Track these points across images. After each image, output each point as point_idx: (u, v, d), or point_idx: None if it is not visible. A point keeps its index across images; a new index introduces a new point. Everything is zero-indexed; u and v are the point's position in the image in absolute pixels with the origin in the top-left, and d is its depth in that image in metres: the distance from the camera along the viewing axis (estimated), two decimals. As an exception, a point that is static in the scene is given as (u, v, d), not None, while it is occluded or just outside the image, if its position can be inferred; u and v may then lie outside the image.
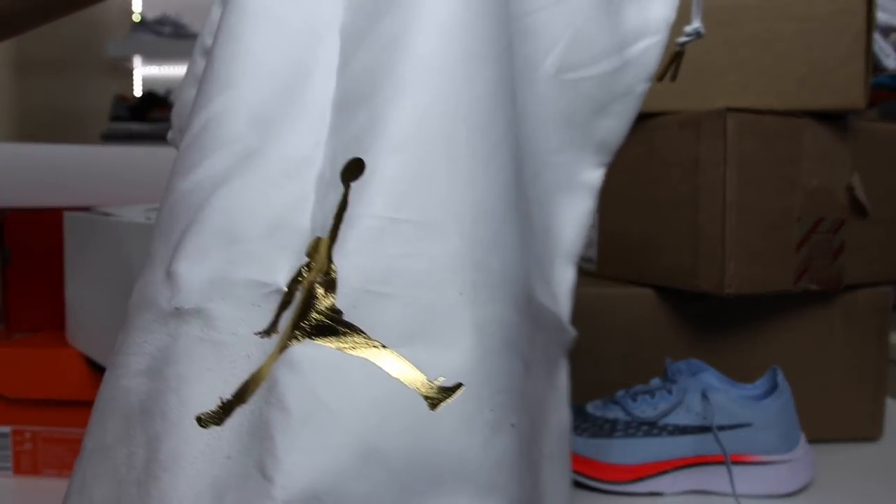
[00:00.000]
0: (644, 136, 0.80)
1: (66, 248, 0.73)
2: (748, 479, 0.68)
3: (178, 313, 0.38)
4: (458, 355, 0.37)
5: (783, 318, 0.80)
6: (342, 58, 0.41)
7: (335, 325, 0.36)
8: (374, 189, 0.38)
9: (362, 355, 0.36)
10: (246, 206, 0.39)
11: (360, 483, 0.35)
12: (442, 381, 0.36)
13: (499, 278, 0.39)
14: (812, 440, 0.76)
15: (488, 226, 0.39)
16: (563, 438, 0.45)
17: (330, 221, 0.38)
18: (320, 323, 0.36)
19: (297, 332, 0.37)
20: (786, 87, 0.78)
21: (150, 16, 2.15)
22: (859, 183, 0.79)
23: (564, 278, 0.45)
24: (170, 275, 0.39)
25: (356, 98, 0.40)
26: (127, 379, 0.40)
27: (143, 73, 2.39)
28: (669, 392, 0.69)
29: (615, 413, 0.70)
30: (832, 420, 0.81)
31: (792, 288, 0.77)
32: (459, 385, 0.36)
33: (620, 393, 0.72)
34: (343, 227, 0.38)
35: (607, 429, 0.70)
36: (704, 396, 0.68)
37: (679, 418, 0.68)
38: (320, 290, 0.37)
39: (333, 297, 0.37)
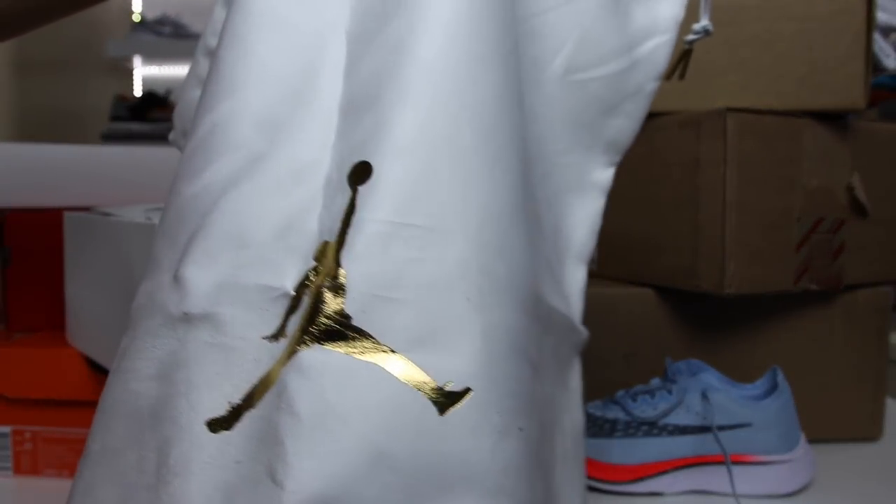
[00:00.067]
0: (644, 136, 0.80)
1: (66, 248, 0.73)
2: (748, 479, 0.68)
3: (187, 318, 0.38)
4: (465, 360, 0.37)
5: (783, 318, 0.80)
6: (349, 61, 0.41)
7: (344, 330, 0.36)
8: (381, 193, 0.38)
9: (371, 360, 0.36)
10: (254, 211, 0.39)
11: (370, 487, 0.35)
12: (450, 385, 0.36)
13: (505, 283, 0.39)
14: (812, 440, 0.76)
15: (494, 230, 0.39)
16: (576, 439, 0.45)
17: (337, 225, 0.38)
18: (329, 328, 0.36)
19: (306, 337, 0.37)
20: (786, 87, 0.78)
21: (150, 16, 2.15)
22: (859, 183, 0.79)
23: (575, 279, 0.46)
24: (178, 279, 0.39)
25: (363, 102, 0.40)
26: (135, 383, 0.40)
27: (143, 73, 2.39)
28: (669, 392, 0.69)
29: (615, 413, 0.70)
30: (832, 420, 0.81)
31: (792, 288, 0.77)
32: (467, 390, 0.36)
33: (620, 393, 0.72)
34: (351, 231, 0.37)
35: (607, 429, 0.70)
36: (704, 396, 0.68)
37: (679, 418, 0.68)
38: (328, 295, 0.37)
39: (342, 302, 0.37)
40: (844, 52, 0.77)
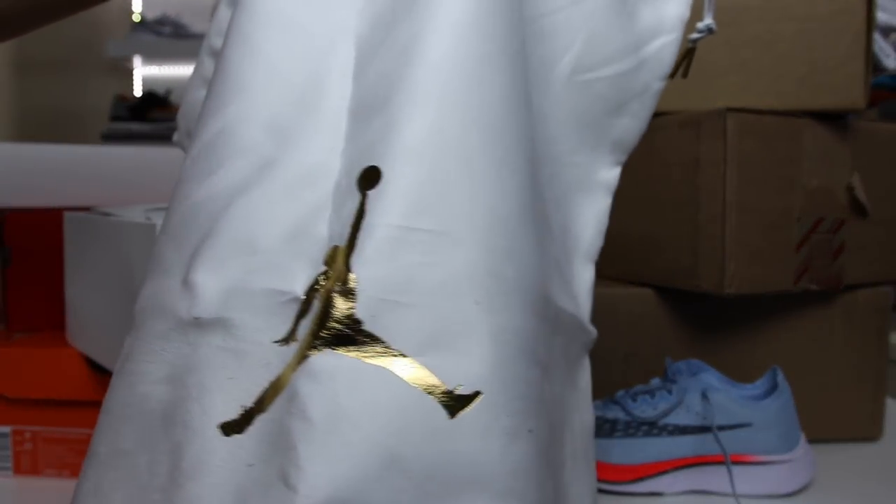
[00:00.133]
0: (644, 135, 0.80)
1: (66, 248, 0.73)
2: (748, 479, 0.68)
3: (198, 323, 0.39)
4: (475, 364, 0.37)
5: (783, 318, 0.80)
6: (357, 65, 0.41)
7: (354, 335, 0.37)
8: (390, 198, 0.38)
9: (382, 364, 0.36)
10: (264, 216, 0.39)
11: (382, 491, 0.35)
12: (460, 389, 0.36)
13: (513, 285, 0.39)
14: (812, 440, 0.76)
15: (503, 233, 0.39)
16: (586, 438, 0.45)
17: (347, 230, 0.38)
18: (340, 332, 0.37)
19: (317, 342, 0.37)
20: (786, 87, 0.78)
21: (150, 16, 2.15)
22: (859, 183, 0.79)
23: (584, 278, 0.46)
24: (188, 284, 0.39)
25: (372, 105, 0.40)
26: (145, 386, 0.40)
27: (143, 73, 2.39)
28: (669, 392, 0.69)
29: (615, 413, 0.70)
30: (832, 420, 0.81)
31: (792, 288, 0.77)
32: (477, 393, 0.37)
33: (620, 393, 0.72)
34: (360, 236, 0.38)
35: (607, 429, 0.70)
36: (704, 396, 0.68)
37: (679, 418, 0.68)
38: (338, 299, 0.37)
39: (352, 307, 0.37)
40: (844, 52, 0.77)
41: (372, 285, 0.37)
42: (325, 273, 0.38)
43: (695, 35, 0.50)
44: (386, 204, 0.38)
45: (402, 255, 0.37)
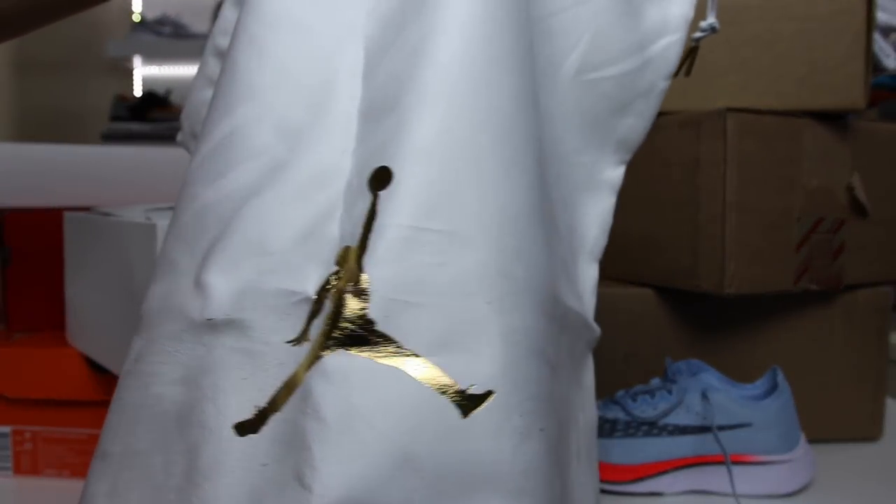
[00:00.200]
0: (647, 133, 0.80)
1: (66, 248, 0.73)
2: (748, 479, 0.68)
3: (212, 324, 0.39)
4: (487, 364, 0.37)
5: (783, 318, 0.80)
6: (367, 66, 0.41)
7: (367, 335, 0.37)
8: (402, 198, 0.38)
9: (395, 364, 0.36)
10: (276, 218, 0.39)
11: (396, 490, 0.35)
12: (472, 388, 0.37)
13: (523, 285, 0.39)
14: (812, 440, 0.76)
15: (512, 233, 0.39)
16: (590, 436, 0.46)
17: (359, 231, 0.38)
18: (353, 332, 0.37)
19: (330, 342, 0.37)
20: (786, 87, 0.78)
21: (150, 16, 2.15)
22: (859, 183, 0.79)
23: (588, 276, 0.46)
24: (200, 286, 0.39)
25: (382, 107, 0.40)
26: (158, 387, 0.40)
27: (143, 73, 2.39)
28: (669, 392, 0.69)
29: (615, 413, 0.70)
30: (832, 420, 0.81)
31: (792, 288, 0.77)
32: (489, 393, 0.37)
33: (620, 393, 0.72)
34: (372, 236, 0.38)
35: (607, 429, 0.70)
36: (704, 396, 0.68)
37: (679, 418, 0.68)
38: (350, 299, 0.37)
39: (365, 307, 0.37)
40: (844, 52, 0.77)
41: (384, 285, 0.37)
42: (336, 273, 0.38)
43: (698, 34, 0.50)
44: (397, 204, 0.38)
45: (413, 255, 0.37)
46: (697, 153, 0.75)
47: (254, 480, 0.36)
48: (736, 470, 0.68)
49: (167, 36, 2.07)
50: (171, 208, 0.67)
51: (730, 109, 0.73)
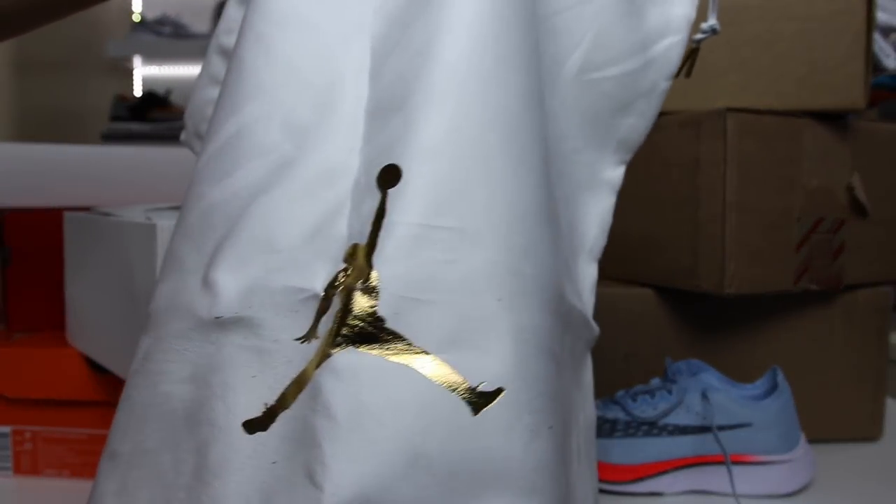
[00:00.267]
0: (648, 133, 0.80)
1: (66, 248, 0.73)
2: (748, 479, 0.68)
3: (220, 322, 0.39)
4: (497, 361, 0.37)
5: (783, 318, 0.80)
6: (373, 64, 0.42)
7: (377, 333, 0.37)
8: (411, 196, 0.38)
9: (405, 362, 0.36)
10: (284, 216, 0.40)
11: (407, 488, 0.35)
12: (483, 386, 0.37)
13: (531, 284, 0.39)
14: (812, 440, 0.76)
15: (521, 231, 0.39)
16: (589, 436, 0.46)
17: (367, 228, 0.38)
18: (362, 330, 0.37)
19: (339, 339, 0.37)
20: (786, 87, 0.78)
21: (150, 16, 2.15)
22: (859, 183, 0.79)
23: (587, 275, 0.46)
24: (208, 284, 0.39)
25: (389, 105, 0.40)
26: (167, 385, 0.40)
27: (143, 73, 2.39)
28: (669, 392, 0.69)
29: (615, 413, 0.70)
30: (832, 420, 0.81)
31: (792, 288, 0.77)
32: (500, 390, 0.37)
33: (620, 393, 0.72)
34: (381, 234, 0.38)
35: (607, 429, 0.70)
36: (704, 396, 0.68)
37: (679, 418, 0.68)
38: (360, 296, 0.37)
39: (374, 304, 0.37)
40: (844, 52, 0.77)
41: (394, 283, 0.37)
42: (345, 270, 0.38)
43: (699, 36, 0.50)
44: (406, 202, 0.38)
45: (423, 252, 0.37)
46: (697, 153, 0.75)
47: (263, 478, 0.37)
48: (736, 470, 0.68)
49: (167, 36, 2.07)
50: (171, 208, 0.67)
51: (730, 109, 0.73)
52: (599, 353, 0.48)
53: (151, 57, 2.18)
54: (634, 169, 0.84)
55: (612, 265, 0.86)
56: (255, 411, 0.38)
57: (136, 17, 2.24)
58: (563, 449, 0.40)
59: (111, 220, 0.64)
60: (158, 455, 0.40)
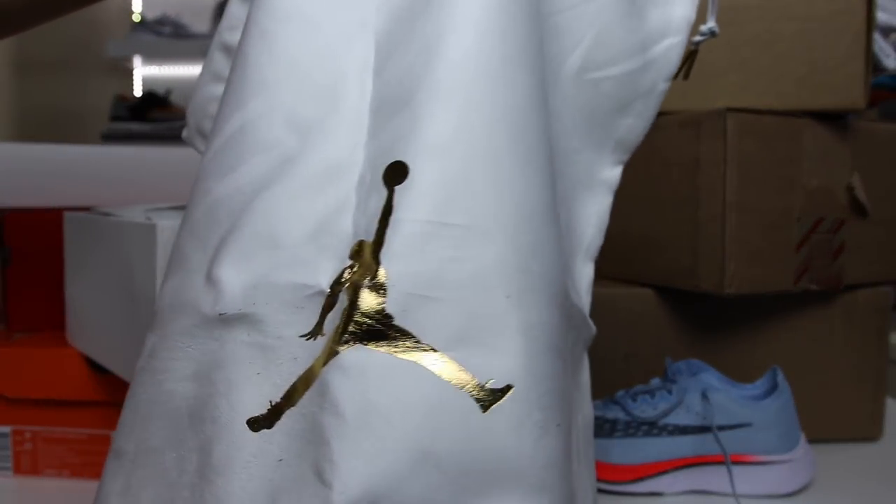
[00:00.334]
0: (644, 135, 0.80)
1: (66, 248, 0.73)
2: (748, 479, 0.68)
3: (224, 319, 0.39)
4: (507, 358, 0.37)
5: (783, 318, 0.80)
6: (377, 61, 0.42)
7: (386, 330, 0.37)
8: (418, 193, 0.38)
9: (413, 359, 0.36)
10: (287, 212, 0.40)
11: (416, 486, 0.35)
12: (492, 383, 0.37)
13: (539, 280, 0.39)
14: (812, 440, 0.76)
15: (529, 228, 0.39)
16: (587, 435, 0.46)
17: (373, 225, 0.38)
18: (370, 327, 0.37)
19: (347, 336, 0.37)
20: (786, 87, 0.78)
21: (150, 16, 2.15)
22: (859, 183, 0.79)
23: (584, 274, 0.46)
24: (211, 280, 0.39)
25: (394, 102, 0.40)
26: (171, 383, 0.40)
27: (143, 73, 2.39)
28: (669, 392, 0.69)
29: (615, 413, 0.70)
30: (832, 420, 0.81)
31: (792, 288, 0.77)
32: (509, 387, 0.37)
33: (620, 393, 0.72)
34: (389, 231, 0.38)
35: (607, 429, 0.70)
36: (704, 396, 0.68)
37: (679, 418, 0.68)
38: (367, 293, 0.37)
39: (382, 301, 0.37)
40: (844, 52, 0.77)
41: (402, 280, 0.37)
42: (350, 267, 0.38)
43: (697, 38, 0.51)
44: (413, 199, 0.38)
45: (431, 249, 0.37)
46: (697, 153, 0.75)
47: (270, 476, 0.36)
48: (736, 470, 0.68)
49: (167, 36, 2.07)
50: (171, 208, 0.67)
51: (730, 109, 0.73)
52: (599, 353, 0.48)
53: (151, 57, 2.18)
54: (634, 169, 0.84)
55: (612, 265, 0.86)
56: (260, 408, 0.37)
57: (136, 17, 2.24)
58: (569, 447, 0.40)
59: (111, 220, 0.64)
60: (162, 453, 0.40)
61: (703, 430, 0.68)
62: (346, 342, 0.37)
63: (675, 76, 0.48)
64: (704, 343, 0.80)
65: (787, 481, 0.69)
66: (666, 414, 0.69)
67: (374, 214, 0.38)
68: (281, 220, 0.39)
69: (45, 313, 0.80)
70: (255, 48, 0.42)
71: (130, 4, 2.33)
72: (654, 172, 0.80)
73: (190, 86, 0.53)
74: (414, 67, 0.40)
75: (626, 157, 0.48)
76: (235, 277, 0.39)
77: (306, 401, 0.37)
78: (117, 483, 0.40)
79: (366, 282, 0.37)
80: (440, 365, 0.36)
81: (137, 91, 2.36)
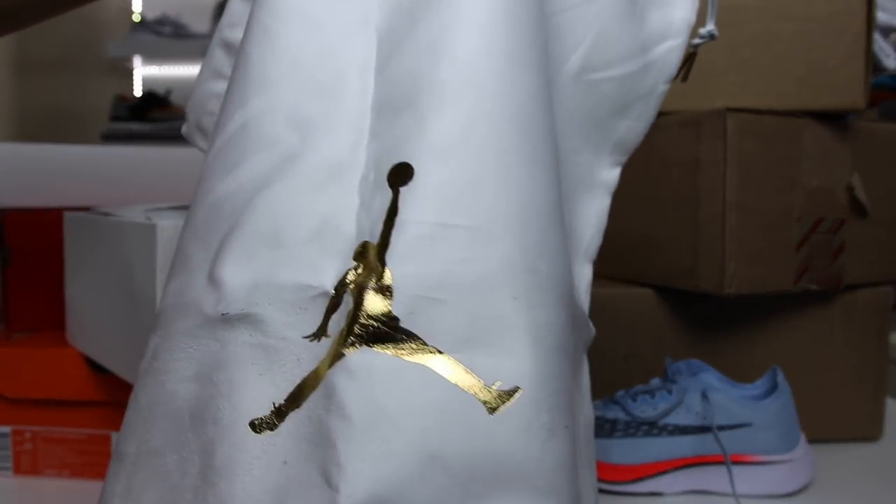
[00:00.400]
0: (644, 135, 0.80)
1: (66, 248, 0.73)
2: (748, 479, 0.68)
3: (226, 319, 0.39)
4: (515, 360, 0.37)
5: (783, 318, 0.80)
6: (379, 60, 0.41)
7: (392, 332, 0.37)
8: (424, 195, 0.38)
9: (420, 361, 0.36)
10: (289, 210, 0.39)
11: (423, 489, 0.35)
12: (498, 385, 0.37)
13: (546, 281, 0.39)
14: (812, 440, 0.76)
15: (536, 228, 0.39)
16: (588, 436, 0.46)
17: (378, 226, 0.38)
18: (377, 330, 0.37)
19: (353, 338, 0.37)
20: (786, 87, 0.78)
21: (150, 16, 2.15)
22: (859, 183, 0.79)
23: (583, 276, 0.46)
24: (213, 280, 0.39)
25: (398, 101, 0.40)
26: (173, 384, 0.40)
27: (143, 73, 2.39)
28: (669, 392, 0.69)
29: (615, 413, 0.70)
30: (832, 420, 0.81)
31: (792, 288, 0.77)
32: (517, 389, 0.37)
33: (620, 393, 0.72)
34: (394, 233, 0.38)
35: (607, 429, 0.70)
36: (704, 396, 0.68)
37: (679, 418, 0.68)
38: (373, 295, 0.37)
39: (389, 304, 0.37)
40: (844, 52, 0.77)
41: (408, 282, 0.37)
42: (355, 268, 0.38)
43: (697, 40, 0.51)
44: (419, 201, 0.38)
45: (438, 251, 0.37)
46: (697, 153, 0.75)
47: (275, 479, 0.36)
48: (736, 470, 0.68)
49: (167, 36, 2.07)
50: (171, 208, 0.67)
51: (730, 109, 0.73)
52: (599, 353, 0.48)
53: (151, 57, 2.18)
54: (634, 169, 0.83)
55: (613, 265, 0.86)
56: (263, 410, 0.37)
57: (136, 17, 2.24)
58: (575, 449, 0.40)
59: (111, 220, 0.64)
60: (164, 456, 0.39)
61: (703, 430, 0.68)
62: (352, 344, 0.37)
63: (674, 78, 0.48)
64: (704, 343, 0.80)
65: (787, 481, 0.69)
66: (666, 414, 0.69)
67: (379, 216, 0.38)
68: (283, 217, 0.39)
69: (45, 313, 0.79)
70: (258, 46, 0.42)
71: (130, 4, 2.33)
72: (654, 172, 0.80)
73: (190, 86, 0.53)
74: (418, 67, 0.40)
75: (624, 158, 0.48)
76: (237, 277, 0.39)
77: (312, 403, 0.37)
78: (119, 485, 0.40)
79: (371, 283, 0.37)
80: (447, 367, 0.36)
81: (137, 91, 2.37)
